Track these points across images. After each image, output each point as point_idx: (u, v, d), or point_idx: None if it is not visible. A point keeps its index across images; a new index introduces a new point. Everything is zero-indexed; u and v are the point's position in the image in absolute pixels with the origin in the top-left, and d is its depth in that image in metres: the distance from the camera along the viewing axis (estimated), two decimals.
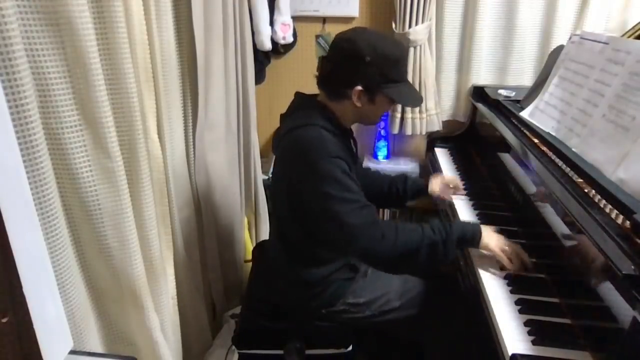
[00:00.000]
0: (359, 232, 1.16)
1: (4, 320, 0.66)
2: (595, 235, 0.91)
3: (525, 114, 1.55)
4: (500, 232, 1.31)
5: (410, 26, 1.99)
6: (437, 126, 2.20)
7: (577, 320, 1.00)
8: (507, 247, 1.22)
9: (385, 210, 2.36)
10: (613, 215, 0.95)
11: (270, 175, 2.11)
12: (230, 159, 1.73)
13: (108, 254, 1.05)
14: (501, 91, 1.89)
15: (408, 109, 2.15)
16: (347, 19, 2.18)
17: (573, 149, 1.24)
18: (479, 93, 2.02)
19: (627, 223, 0.90)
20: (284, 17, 2.05)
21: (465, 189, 1.65)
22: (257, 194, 2.05)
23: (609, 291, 0.88)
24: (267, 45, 2.03)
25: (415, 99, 1.31)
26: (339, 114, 1.27)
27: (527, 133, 1.47)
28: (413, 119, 2.16)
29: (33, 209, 0.78)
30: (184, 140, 1.50)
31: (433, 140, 2.22)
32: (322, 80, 1.28)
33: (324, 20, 2.20)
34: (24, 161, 0.80)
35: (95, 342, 1.07)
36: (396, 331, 1.45)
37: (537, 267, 1.20)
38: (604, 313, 0.89)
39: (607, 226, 0.91)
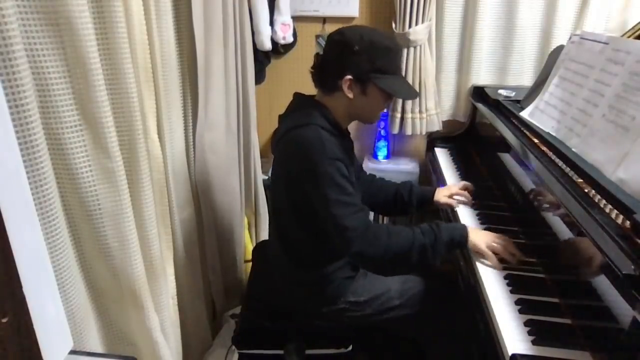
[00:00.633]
0: (354, 235, 1.16)
1: (4, 320, 0.66)
2: (595, 235, 0.91)
3: (525, 114, 1.54)
4: (500, 232, 1.31)
5: (410, 26, 1.99)
6: (437, 126, 2.20)
7: (577, 320, 1.00)
8: (495, 244, 1.23)
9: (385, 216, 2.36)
10: (613, 215, 0.95)
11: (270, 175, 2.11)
12: (230, 159, 1.73)
13: (108, 254, 1.05)
14: (501, 91, 1.89)
15: (408, 109, 2.15)
16: (347, 19, 2.19)
17: (573, 149, 1.24)
18: (479, 93, 2.02)
19: (627, 223, 0.90)
20: (284, 17, 2.05)
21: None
22: (257, 194, 2.05)
23: (609, 291, 0.88)
24: (267, 45, 2.03)
25: (408, 91, 1.31)
26: (335, 111, 1.27)
27: (527, 133, 1.47)
28: (413, 118, 2.16)
29: (33, 209, 0.78)
30: (184, 140, 1.50)
31: (433, 140, 2.22)
32: (314, 73, 1.29)
33: (324, 20, 2.21)
34: (24, 161, 0.80)
35: (95, 342, 1.07)
36: (396, 330, 1.45)
37: (537, 267, 1.20)
38: (604, 313, 0.89)
39: (607, 226, 0.91)
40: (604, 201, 1.01)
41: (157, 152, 1.28)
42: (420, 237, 1.21)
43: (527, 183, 1.37)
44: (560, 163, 1.23)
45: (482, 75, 2.13)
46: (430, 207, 1.59)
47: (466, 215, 1.51)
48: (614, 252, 0.85)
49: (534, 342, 0.96)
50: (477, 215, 1.51)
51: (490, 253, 1.22)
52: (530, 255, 1.24)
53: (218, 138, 1.61)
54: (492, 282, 1.16)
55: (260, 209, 2.09)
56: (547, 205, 1.21)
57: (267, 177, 2.15)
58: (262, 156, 2.10)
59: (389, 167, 2.26)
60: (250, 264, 1.83)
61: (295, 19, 2.14)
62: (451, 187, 1.61)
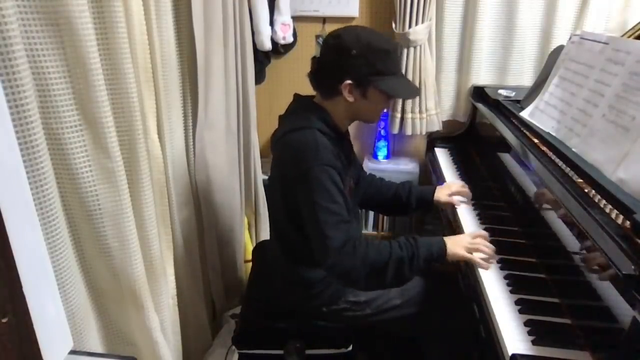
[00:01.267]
0: (332, 245, 1.15)
1: (4, 320, 0.66)
2: (595, 235, 0.91)
3: (525, 114, 1.55)
4: (500, 232, 1.31)
5: (410, 26, 1.99)
6: (437, 126, 2.20)
7: (577, 320, 1.00)
8: (474, 245, 1.22)
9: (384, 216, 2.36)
10: (613, 215, 0.95)
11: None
12: (230, 159, 1.73)
13: (108, 254, 1.05)
14: (501, 91, 1.89)
15: (408, 109, 2.15)
16: (347, 19, 2.19)
17: (573, 149, 1.24)
18: (479, 93, 2.02)
19: (627, 223, 0.90)
20: (284, 17, 2.05)
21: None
22: (257, 194, 2.05)
23: (609, 291, 0.88)
24: (267, 45, 2.03)
25: (409, 91, 1.30)
26: (335, 114, 1.27)
27: (527, 133, 1.47)
28: (413, 119, 2.16)
29: (33, 209, 0.78)
30: (184, 140, 1.50)
31: (433, 140, 2.22)
32: (313, 78, 1.28)
33: (324, 20, 2.21)
34: (24, 161, 0.80)
35: (95, 342, 1.07)
36: (396, 330, 1.45)
37: (537, 267, 1.20)
38: (604, 313, 0.89)
39: (607, 226, 0.91)
40: (604, 201, 1.01)
41: (157, 152, 1.28)
42: (397, 251, 1.18)
43: (527, 183, 1.37)
44: (560, 163, 1.23)
45: (482, 75, 2.13)
46: (430, 207, 1.58)
47: (466, 215, 1.51)
48: (614, 252, 0.85)
49: (534, 342, 0.96)
50: (477, 215, 1.51)
51: (472, 257, 1.21)
52: (530, 255, 1.24)
53: (218, 138, 1.61)
54: (492, 282, 1.16)
55: (260, 209, 2.09)
56: (547, 205, 1.21)
57: (267, 177, 2.14)
58: (262, 156, 2.10)
59: (389, 167, 2.26)
60: (250, 264, 1.83)
61: (295, 19, 2.14)
62: (451, 185, 1.59)
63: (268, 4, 1.99)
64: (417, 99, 2.12)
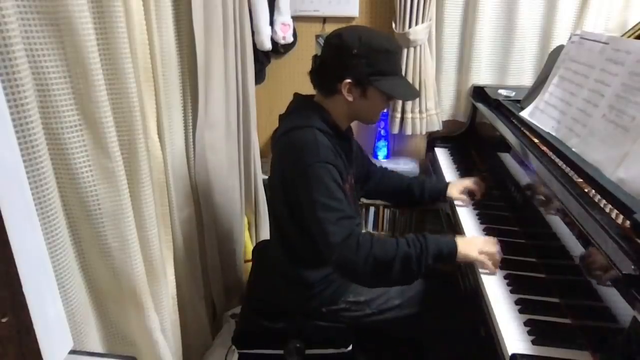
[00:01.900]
0: (335, 241, 1.14)
1: (4, 320, 0.66)
2: (595, 235, 0.91)
3: (525, 114, 1.55)
4: (500, 232, 1.31)
5: (410, 26, 1.99)
6: (437, 126, 2.20)
7: (577, 320, 1.00)
8: (487, 248, 1.21)
9: (385, 210, 2.36)
10: (613, 215, 0.95)
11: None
12: (230, 159, 1.73)
13: (108, 254, 1.05)
14: (501, 91, 1.89)
15: (408, 109, 2.15)
16: (347, 19, 2.18)
17: (573, 149, 1.24)
18: (479, 93, 2.02)
19: (627, 223, 0.90)
20: (284, 17, 2.05)
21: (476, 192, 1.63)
22: (257, 194, 2.05)
23: (609, 291, 0.88)
24: (267, 45, 2.03)
25: (409, 92, 1.30)
26: (335, 113, 1.27)
27: (527, 133, 1.47)
28: (413, 118, 2.16)
29: (33, 209, 0.78)
30: (184, 140, 1.50)
31: (433, 140, 2.22)
32: (313, 76, 1.28)
33: (324, 20, 2.21)
34: (24, 161, 0.80)
35: (95, 342, 1.07)
36: (396, 330, 1.45)
37: (537, 267, 1.20)
38: (604, 313, 0.89)
39: (607, 226, 0.91)
40: (604, 201, 1.01)
41: (157, 152, 1.28)
42: (405, 247, 1.17)
43: (527, 183, 1.37)
44: (560, 163, 1.23)
45: (482, 75, 2.13)
46: (442, 201, 1.62)
47: (466, 215, 1.51)
48: (614, 252, 0.85)
49: (534, 342, 0.96)
50: (477, 215, 1.51)
51: (484, 260, 1.19)
52: (530, 255, 1.24)
53: (218, 138, 1.61)
54: (492, 282, 1.16)
55: (260, 209, 2.09)
56: (547, 205, 1.21)
57: (267, 177, 2.14)
58: (262, 156, 2.10)
59: (389, 167, 2.25)
60: (250, 264, 1.83)
61: (295, 19, 2.14)
62: (464, 181, 1.62)
63: (268, 4, 1.99)
64: (417, 99, 2.12)
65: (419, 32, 2.00)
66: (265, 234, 2.10)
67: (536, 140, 1.40)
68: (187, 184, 1.52)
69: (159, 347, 1.19)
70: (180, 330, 1.40)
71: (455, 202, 1.57)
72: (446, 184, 1.61)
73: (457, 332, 1.30)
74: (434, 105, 2.16)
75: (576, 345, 0.94)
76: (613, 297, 0.86)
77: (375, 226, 2.40)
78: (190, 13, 1.37)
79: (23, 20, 0.83)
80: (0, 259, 0.66)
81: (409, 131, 2.18)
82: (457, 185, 1.60)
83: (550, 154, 1.30)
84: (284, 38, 2.07)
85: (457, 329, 1.30)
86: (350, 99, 1.23)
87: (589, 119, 1.23)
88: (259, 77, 2.14)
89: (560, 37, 1.97)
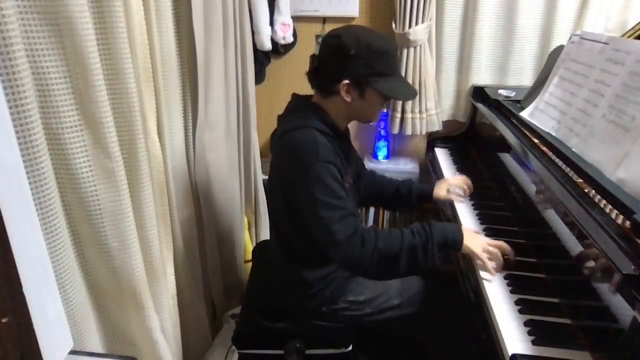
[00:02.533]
0: (341, 238, 1.15)
1: (4, 320, 0.66)
2: (595, 235, 0.91)
3: (525, 114, 1.55)
4: (500, 232, 1.31)
5: (410, 26, 1.99)
6: (437, 126, 2.20)
7: (577, 320, 1.00)
8: (490, 247, 1.21)
9: (385, 211, 2.36)
10: (613, 215, 0.95)
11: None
12: (230, 159, 1.73)
13: (108, 254, 1.05)
14: (501, 91, 1.89)
15: (408, 109, 2.15)
16: (347, 19, 2.19)
17: (573, 149, 1.24)
18: (479, 93, 2.02)
19: (627, 223, 0.90)
20: (284, 17, 2.05)
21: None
22: (257, 194, 2.05)
23: (609, 291, 0.88)
24: (267, 45, 2.03)
25: (407, 92, 1.30)
26: (333, 113, 1.27)
27: (527, 133, 1.47)
28: (413, 119, 2.16)
29: (33, 209, 0.78)
30: (184, 140, 1.50)
31: (433, 140, 2.22)
32: (311, 77, 1.29)
33: (324, 20, 2.21)
34: (24, 161, 0.80)
35: (95, 342, 1.07)
36: (396, 329, 1.45)
37: (537, 267, 1.20)
38: (604, 313, 0.89)
39: (607, 226, 0.91)
40: (604, 201, 1.01)
41: (157, 152, 1.28)
42: (409, 238, 1.17)
43: (527, 183, 1.37)
44: (560, 163, 1.23)
45: (482, 75, 2.13)
46: (430, 204, 1.60)
47: (466, 215, 1.51)
48: (614, 252, 0.85)
49: (534, 342, 0.96)
50: (477, 215, 1.51)
51: (484, 258, 1.19)
52: (530, 256, 1.24)
53: (218, 138, 1.61)
54: (492, 282, 1.16)
55: (260, 209, 2.09)
56: (547, 205, 1.21)
57: (267, 177, 2.14)
58: (262, 156, 2.10)
59: (389, 167, 2.26)
60: (250, 264, 1.83)
61: (295, 19, 2.14)
62: (448, 180, 1.61)
63: (268, 4, 1.99)
64: (417, 99, 2.12)
65: (419, 32, 2.00)
66: (265, 234, 2.10)
67: (536, 141, 1.40)
68: (187, 184, 1.52)
69: (159, 347, 1.19)
70: (180, 330, 1.40)
71: (455, 203, 1.57)
72: (432, 186, 1.58)
73: (457, 332, 1.30)
74: (434, 105, 2.16)
75: (576, 346, 0.94)
76: (613, 297, 0.86)
77: (375, 224, 2.41)
78: (190, 13, 1.37)
79: (23, 20, 0.83)
80: (1, 259, 0.66)
81: (409, 131, 2.18)
82: (443, 184, 1.58)
83: (550, 154, 1.30)
84: (284, 38, 2.07)
85: (457, 329, 1.30)
86: (348, 99, 1.23)
87: (589, 119, 1.23)
88: (259, 77, 2.14)
89: (560, 37, 1.97)
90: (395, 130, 2.20)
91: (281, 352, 1.35)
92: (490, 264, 1.19)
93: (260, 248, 1.76)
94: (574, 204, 1.03)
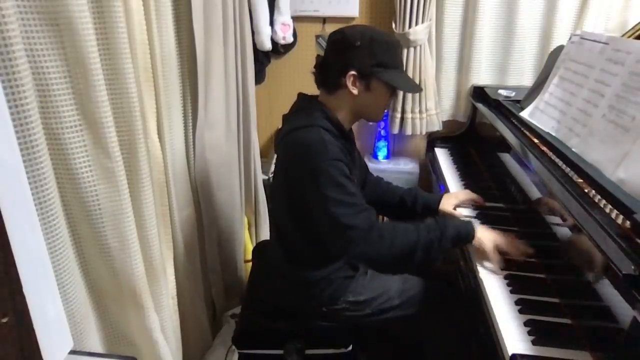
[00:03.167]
0: (358, 235, 1.16)
1: (4, 320, 0.66)
2: (595, 235, 0.91)
3: (525, 114, 1.54)
4: (500, 232, 1.30)
5: (410, 26, 1.99)
6: (437, 126, 2.20)
7: (577, 320, 1.00)
8: (501, 243, 1.22)
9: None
10: (613, 215, 0.95)
11: (271, 175, 2.11)
12: (230, 158, 1.73)
13: (108, 254, 1.05)
14: (501, 91, 1.89)
15: (408, 109, 2.15)
16: (347, 19, 2.18)
17: (573, 149, 1.24)
18: (479, 93, 2.02)
19: (627, 223, 0.90)
20: (284, 17, 2.05)
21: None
22: (257, 194, 2.05)
23: (609, 291, 0.88)
24: (267, 45, 2.03)
25: (412, 85, 1.32)
26: (339, 111, 1.27)
27: (527, 133, 1.47)
28: (413, 119, 2.16)
29: (33, 209, 0.78)
30: (184, 140, 1.50)
31: (433, 140, 2.22)
32: (317, 73, 1.29)
33: (324, 20, 2.21)
34: (24, 161, 0.80)
35: (95, 342, 1.07)
36: (396, 330, 1.45)
37: (537, 267, 1.20)
38: (604, 313, 0.89)
39: (607, 226, 0.91)
40: (604, 201, 1.01)
41: (157, 152, 1.28)
42: (424, 234, 1.20)
43: (527, 183, 1.37)
44: (560, 163, 1.23)
45: (482, 75, 2.13)
46: (434, 214, 1.55)
47: (466, 216, 1.51)
48: (614, 252, 0.85)
49: (534, 342, 0.96)
50: (477, 215, 1.51)
51: (493, 254, 1.20)
52: (530, 256, 1.24)
53: (218, 138, 1.61)
54: (492, 282, 1.16)
55: (260, 209, 2.09)
56: (547, 206, 1.21)
57: (267, 177, 2.15)
58: (262, 156, 2.09)
59: (389, 167, 2.26)
60: (250, 264, 1.83)
61: (295, 19, 2.14)
62: (458, 195, 1.57)
63: (268, 4, 1.99)
64: (417, 98, 2.12)
65: (419, 32, 2.00)
66: (265, 234, 2.10)
67: (536, 141, 1.40)
68: (187, 184, 1.52)
69: (159, 347, 1.19)
70: (180, 330, 1.40)
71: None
72: (439, 198, 1.55)
73: (457, 332, 1.30)
74: (434, 105, 2.16)
75: (576, 346, 0.94)
76: (613, 297, 0.86)
77: None
78: (190, 13, 1.37)
79: (23, 20, 0.83)
80: (1, 259, 0.66)
81: (409, 131, 2.18)
82: (451, 199, 1.54)
83: (550, 154, 1.30)
84: (284, 38, 2.07)
85: (457, 329, 1.30)
86: (355, 91, 1.23)
87: (589, 119, 1.23)
88: (259, 77, 2.14)
89: (560, 37, 1.97)
90: (395, 130, 2.20)
91: (281, 352, 1.35)
92: (498, 263, 1.20)
93: (260, 248, 1.76)
94: (574, 204, 1.03)
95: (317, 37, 2.23)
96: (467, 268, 1.30)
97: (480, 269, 1.21)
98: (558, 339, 0.96)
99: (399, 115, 2.18)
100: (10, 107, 0.76)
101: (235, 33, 1.66)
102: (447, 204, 1.53)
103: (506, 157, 1.58)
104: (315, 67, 1.30)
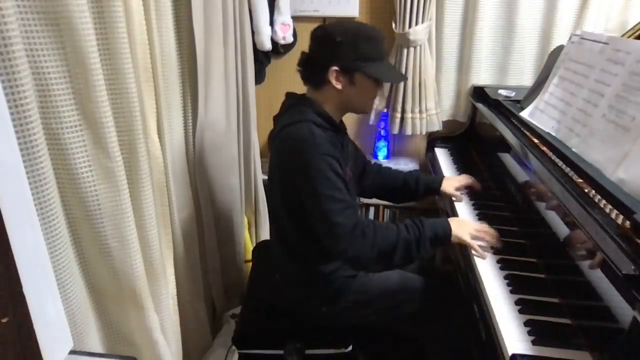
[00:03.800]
0: (342, 231, 1.17)
1: (4, 320, 0.66)
2: (595, 235, 0.91)
3: (525, 114, 1.54)
4: (500, 232, 1.31)
5: (410, 26, 1.99)
6: (437, 126, 2.20)
7: (577, 320, 1.00)
8: (478, 233, 1.27)
9: (385, 210, 2.36)
10: (613, 215, 0.95)
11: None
12: (230, 159, 1.73)
13: (108, 254, 1.05)
14: (501, 91, 1.89)
15: (408, 109, 2.14)
16: (347, 19, 2.18)
17: (573, 149, 1.24)
18: (479, 93, 2.02)
19: (627, 223, 0.90)
20: (284, 17, 2.05)
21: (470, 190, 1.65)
22: (257, 194, 2.05)
23: (609, 291, 0.88)
24: (267, 45, 2.03)
25: (395, 75, 1.33)
26: (327, 105, 1.28)
27: (527, 133, 1.47)
28: (413, 119, 2.16)
29: (33, 209, 0.78)
30: (184, 140, 1.50)
31: (433, 140, 2.22)
32: (301, 70, 1.31)
33: (324, 20, 2.20)
34: (24, 161, 0.80)
35: (95, 342, 1.07)
36: (396, 329, 1.45)
37: (537, 267, 1.20)
38: (604, 313, 0.89)
39: (607, 226, 0.91)
40: (604, 201, 1.01)
41: (157, 152, 1.28)
42: (405, 233, 1.22)
43: (527, 183, 1.37)
44: (560, 163, 1.23)
45: (482, 75, 2.13)
46: (435, 196, 1.64)
47: (466, 215, 1.51)
48: (614, 252, 0.85)
49: (534, 342, 0.96)
50: (477, 215, 1.51)
51: (474, 244, 1.24)
52: (530, 256, 1.24)
53: (218, 138, 1.61)
54: (492, 282, 1.16)
55: (260, 209, 2.09)
56: (547, 205, 1.21)
57: (267, 177, 2.15)
58: (262, 156, 2.09)
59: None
60: (250, 264, 1.83)
61: (295, 19, 2.14)
62: (460, 179, 1.62)
63: (268, 4, 1.99)
64: (417, 99, 2.12)
65: (419, 32, 2.00)
66: (265, 234, 2.10)
67: (536, 141, 1.40)
68: (187, 184, 1.52)
69: (159, 347, 1.19)
70: (180, 330, 1.40)
71: (455, 202, 1.57)
72: (441, 179, 1.61)
73: (457, 331, 1.30)
74: (434, 105, 2.16)
75: (576, 346, 0.94)
76: (613, 297, 0.86)
77: None
78: (190, 13, 1.37)
79: (23, 20, 0.83)
80: (0, 259, 0.66)
81: (409, 131, 2.18)
82: (452, 181, 1.60)
83: (550, 154, 1.30)
84: (284, 38, 2.07)
85: (457, 328, 1.30)
86: (339, 87, 1.24)
87: (589, 119, 1.23)
88: (259, 77, 2.14)
89: (560, 37, 1.97)
90: (395, 130, 2.20)
91: (281, 352, 1.35)
92: (481, 249, 1.24)
93: (260, 248, 1.76)
94: (574, 204, 1.03)
95: None
96: (467, 267, 1.30)
97: (480, 269, 1.21)
98: (558, 339, 0.96)
99: (399, 115, 2.18)
100: (10, 107, 0.76)
101: (235, 33, 1.66)
102: (448, 185, 1.58)
103: (506, 157, 1.58)
104: (298, 64, 1.30)
